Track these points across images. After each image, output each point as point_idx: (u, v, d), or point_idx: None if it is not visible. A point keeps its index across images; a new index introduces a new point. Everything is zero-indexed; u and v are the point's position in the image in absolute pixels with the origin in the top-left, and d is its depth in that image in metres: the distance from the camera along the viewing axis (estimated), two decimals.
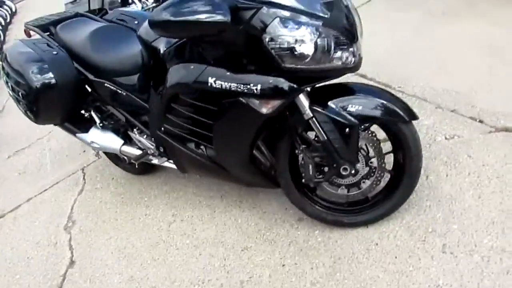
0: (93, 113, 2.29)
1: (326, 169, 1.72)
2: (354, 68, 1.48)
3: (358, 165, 1.69)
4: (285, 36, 1.36)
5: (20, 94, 2.07)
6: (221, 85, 1.52)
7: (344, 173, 1.68)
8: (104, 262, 2.12)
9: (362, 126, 1.70)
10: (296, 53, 1.37)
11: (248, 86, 1.47)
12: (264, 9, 1.37)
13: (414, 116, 1.63)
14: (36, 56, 2.03)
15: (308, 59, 1.38)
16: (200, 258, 1.96)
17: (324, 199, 1.85)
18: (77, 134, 2.33)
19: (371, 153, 1.73)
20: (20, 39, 2.27)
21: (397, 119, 1.60)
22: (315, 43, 1.37)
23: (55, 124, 2.34)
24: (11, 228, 2.60)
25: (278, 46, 1.37)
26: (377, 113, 1.59)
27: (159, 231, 2.19)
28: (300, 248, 1.84)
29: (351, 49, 1.43)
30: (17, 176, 3.14)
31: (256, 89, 1.46)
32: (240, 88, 1.49)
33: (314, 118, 1.57)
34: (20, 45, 2.16)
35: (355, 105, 1.57)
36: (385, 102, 1.60)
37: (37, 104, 2.06)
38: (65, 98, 2.09)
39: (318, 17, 1.37)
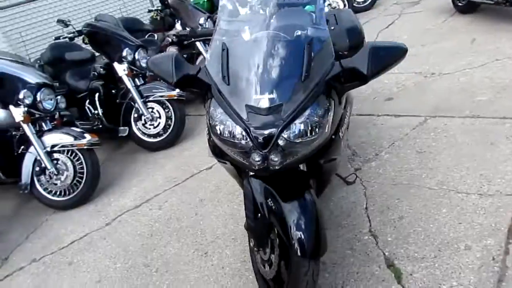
0: None
1: None
2: (261, 170, 1.53)
3: (267, 250, 1.74)
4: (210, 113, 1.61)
5: None
6: None
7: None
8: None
9: None
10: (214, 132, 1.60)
11: None
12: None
13: (311, 255, 1.49)
14: None
15: (222, 143, 1.59)
16: None
17: None
18: None
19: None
20: None
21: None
22: (223, 135, 1.54)
23: None
24: None
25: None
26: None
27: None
28: None
29: (259, 154, 1.48)
30: None
31: None
32: None
33: None
34: None
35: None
36: (299, 222, 1.52)
37: None
38: None
39: (238, 116, 1.49)
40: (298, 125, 1.47)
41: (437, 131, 2.84)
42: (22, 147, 3.25)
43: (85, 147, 3.22)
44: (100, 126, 4.01)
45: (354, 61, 1.54)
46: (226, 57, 1.59)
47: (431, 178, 2.38)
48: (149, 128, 3.89)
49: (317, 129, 1.50)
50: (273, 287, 1.78)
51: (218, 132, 1.56)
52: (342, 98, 1.78)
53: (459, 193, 2.21)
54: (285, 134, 1.46)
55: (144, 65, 3.96)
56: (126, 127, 3.93)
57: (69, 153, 3.27)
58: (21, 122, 3.13)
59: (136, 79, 3.92)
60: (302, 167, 1.78)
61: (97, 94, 3.96)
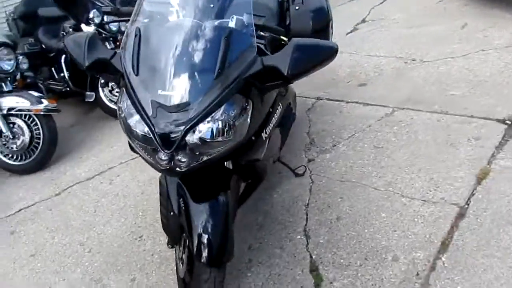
0: None
1: None
2: (167, 171, 1.45)
3: (180, 248, 1.67)
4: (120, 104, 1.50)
5: None
6: None
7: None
8: None
9: None
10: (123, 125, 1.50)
11: None
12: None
13: (213, 263, 1.43)
14: None
15: (130, 138, 1.49)
16: None
17: None
18: None
19: None
20: None
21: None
22: (130, 129, 1.43)
23: None
24: None
25: None
26: None
27: None
28: None
29: (166, 154, 1.39)
30: None
31: None
32: None
33: None
34: None
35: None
36: (206, 226, 1.46)
37: None
38: None
39: (144, 111, 1.37)
40: (208, 125, 1.35)
41: (400, 125, 2.71)
42: None
43: (42, 112, 3.15)
44: (68, 89, 3.90)
45: (275, 58, 1.40)
46: (138, 43, 1.45)
47: (380, 177, 2.29)
48: (116, 95, 3.77)
49: (231, 130, 1.39)
50: (188, 284, 1.74)
51: (126, 126, 1.45)
52: (268, 97, 1.66)
53: (403, 197, 2.12)
54: (193, 134, 1.35)
55: (114, 28, 3.79)
56: (92, 93, 3.80)
57: (26, 117, 3.18)
58: None
59: (107, 43, 3.75)
60: (227, 164, 1.69)
61: (63, 56, 3.80)
